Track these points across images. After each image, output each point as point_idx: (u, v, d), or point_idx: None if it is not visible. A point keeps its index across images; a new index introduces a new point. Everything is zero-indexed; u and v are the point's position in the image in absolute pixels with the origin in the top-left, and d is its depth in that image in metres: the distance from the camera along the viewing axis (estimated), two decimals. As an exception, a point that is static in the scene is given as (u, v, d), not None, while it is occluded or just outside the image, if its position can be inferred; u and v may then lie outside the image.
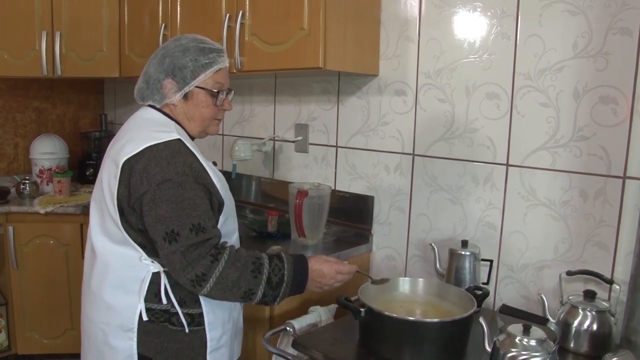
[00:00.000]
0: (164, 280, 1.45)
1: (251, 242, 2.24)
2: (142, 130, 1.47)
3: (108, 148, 1.56)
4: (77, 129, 3.60)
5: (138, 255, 1.44)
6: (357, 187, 2.32)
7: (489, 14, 1.87)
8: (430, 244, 1.98)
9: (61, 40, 2.92)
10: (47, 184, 3.12)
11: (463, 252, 1.87)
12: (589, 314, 1.54)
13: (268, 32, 2.09)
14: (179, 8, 2.50)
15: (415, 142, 2.11)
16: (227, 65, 1.58)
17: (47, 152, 3.13)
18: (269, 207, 2.62)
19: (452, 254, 1.89)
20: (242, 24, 2.16)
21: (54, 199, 2.95)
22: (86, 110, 3.67)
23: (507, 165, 1.87)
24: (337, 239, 2.33)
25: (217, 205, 1.47)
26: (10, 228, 2.79)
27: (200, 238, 1.36)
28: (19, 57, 2.89)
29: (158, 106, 1.54)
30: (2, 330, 2.92)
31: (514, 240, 1.87)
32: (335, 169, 2.40)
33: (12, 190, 3.00)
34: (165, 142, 1.40)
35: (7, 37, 2.88)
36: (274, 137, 2.63)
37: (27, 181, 2.99)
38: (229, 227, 1.57)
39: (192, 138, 1.57)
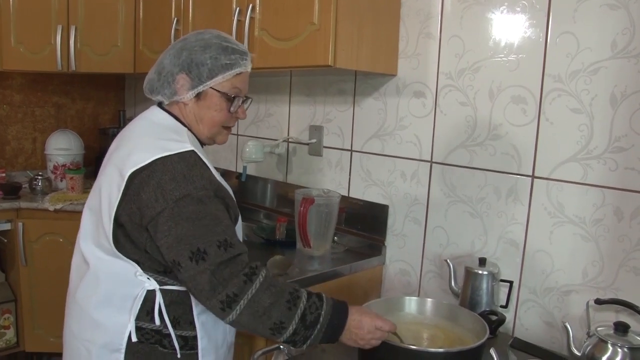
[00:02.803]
0: (159, 298, 1.31)
1: (256, 249, 2.12)
2: (151, 137, 1.33)
3: (109, 151, 1.44)
4: (96, 125, 3.55)
5: (133, 271, 1.30)
6: (371, 195, 2.17)
7: (517, 8, 1.69)
8: (446, 260, 1.81)
9: (76, 35, 2.85)
10: (61, 180, 3.06)
11: (480, 271, 1.69)
12: (619, 350, 1.35)
13: (278, 27, 1.95)
14: (191, 2, 2.39)
15: (434, 149, 1.94)
16: (249, 70, 1.43)
17: (62, 147, 3.08)
18: (280, 213, 2.49)
19: (469, 272, 1.72)
20: (251, 18, 2.03)
21: (65, 195, 2.88)
22: (106, 107, 3.61)
23: (533, 177, 1.68)
24: (348, 249, 2.18)
25: (234, 220, 1.35)
26: (20, 224, 2.74)
27: (230, 254, 1.22)
28: (35, 52, 2.84)
29: (167, 102, 1.41)
30: (11, 326, 2.87)
31: (538, 261, 1.69)
32: (350, 174, 2.25)
33: (26, 185, 2.96)
34: (179, 153, 1.26)
35: (24, 31, 2.83)
36: (287, 139, 2.50)
37: (40, 177, 2.93)
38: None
39: (202, 144, 1.44)
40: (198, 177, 1.25)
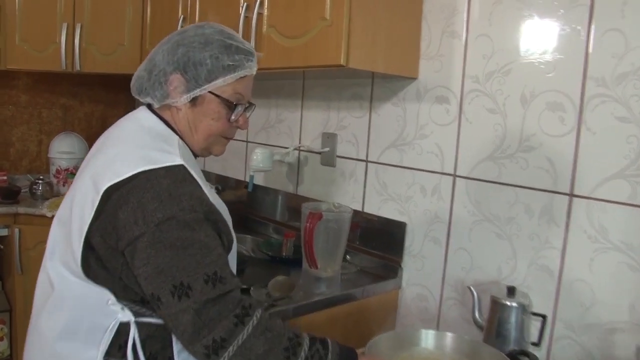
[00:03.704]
0: (133, 331, 1.11)
1: (259, 268, 1.93)
2: (136, 145, 1.15)
3: (89, 155, 1.25)
4: (104, 128, 3.37)
5: (105, 298, 1.11)
6: (387, 211, 1.97)
7: (555, 3, 1.48)
8: (469, 287, 1.60)
9: (82, 33, 2.72)
10: (64, 185, 2.93)
11: (509, 303, 1.48)
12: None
13: (287, 23, 1.77)
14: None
15: (458, 161, 1.74)
16: (254, 72, 1.24)
17: (66, 151, 2.94)
18: (290, 227, 2.30)
19: (495, 302, 1.50)
20: (259, 14, 1.85)
21: (66, 202, 2.74)
22: (115, 109, 3.46)
23: (571, 195, 1.47)
24: (361, 270, 1.98)
25: (227, 247, 1.16)
26: (17, 230, 2.60)
27: (219, 291, 1.03)
28: (39, 50, 2.72)
29: (157, 105, 1.22)
30: (5, 338, 2.73)
31: (576, 292, 1.46)
32: (364, 187, 2.05)
33: (26, 190, 2.82)
34: (166, 167, 1.08)
35: (29, 29, 2.72)
36: (298, 147, 2.31)
37: (40, 181, 2.80)
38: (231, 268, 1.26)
39: (195, 155, 1.26)
40: (186, 196, 1.06)
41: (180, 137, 1.21)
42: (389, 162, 1.95)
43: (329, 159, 2.18)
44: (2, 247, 2.73)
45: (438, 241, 1.81)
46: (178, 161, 1.10)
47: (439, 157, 1.79)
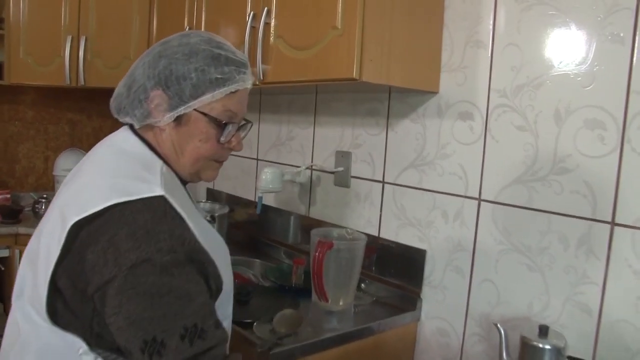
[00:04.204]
0: None
1: (266, 298, 1.78)
2: (110, 173, 1.00)
3: (62, 185, 1.11)
4: (113, 145, 3.30)
5: (76, 346, 0.96)
6: (405, 237, 1.80)
7: (593, 7, 1.32)
8: (496, 325, 1.43)
9: (86, 46, 2.62)
10: (68, 205, 2.81)
11: (541, 344, 1.30)
12: None
13: (295, 33, 1.64)
14: (204, 10, 2.10)
15: (483, 183, 1.57)
16: (249, 86, 1.09)
17: (71, 168, 2.82)
18: (302, 252, 2.15)
19: (526, 344, 1.33)
20: (266, 24, 1.72)
21: (69, 222, 2.63)
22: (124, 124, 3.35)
23: (613, 223, 1.30)
24: (377, 301, 1.81)
25: (214, 292, 1.01)
26: (17, 251, 2.48)
27: (197, 349, 0.88)
28: (44, 64, 2.63)
29: (137, 126, 1.07)
30: (5, 364, 2.60)
31: (619, 334, 1.29)
32: (381, 210, 1.89)
33: (29, 209, 2.72)
34: (144, 199, 0.93)
35: (33, 42, 2.63)
36: (310, 166, 2.17)
37: (43, 200, 2.69)
38: (223, 312, 1.10)
39: (185, 182, 1.12)
40: (165, 234, 0.91)
41: (165, 162, 1.07)
42: (407, 183, 1.80)
43: (342, 179, 2.03)
44: (2, 268, 2.62)
45: (461, 271, 1.64)
46: (158, 192, 0.95)
47: (462, 179, 1.63)
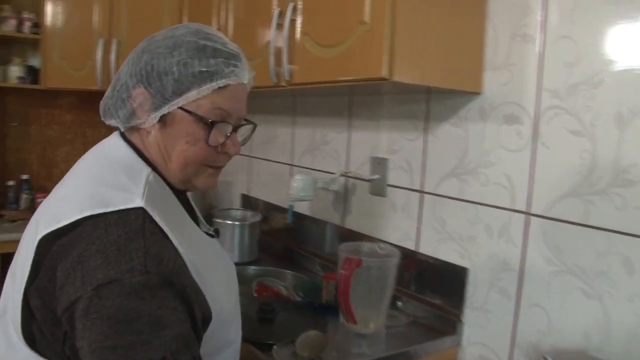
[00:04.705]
0: None
1: (292, 315, 1.65)
2: (87, 182, 0.91)
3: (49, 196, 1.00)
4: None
5: None
6: (445, 252, 1.63)
7: (664, -8, 1.12)
8: (545, 358, 1.25)
9: (118, 49, 2.56)
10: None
11: (600, 385, 1.12)
12: None
13: (322, 30, 1.50)
14: (232, 11, 1.99)
15: (532, 196, 1.39)
16: (245, 81, 0.96)
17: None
18: (335, 264, 1.99)
19: (581, 383, 1.15)
20: (292, 20, 1.59)
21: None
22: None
23: (688, 247, 1.10)
24: (413, 321, 1.65)
25: (200, 320, 0.87)
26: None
27: None
28: (76, 68, 2.60)
29: (122, 128, 0.98)
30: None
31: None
32: (419, 222, 1.73)
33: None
34: (120, 212, 0.83)
35: (67, 46, 2.61)
36: (345, 173, 2.02)
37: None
38: (223, 339, 0.99)
39: (178, 191, 0.99)
40: (139, 252, 0.79)
41: (155, 168, 0.95)
42: (447, 193, 1.63)
43: (379, 187, 1.87)
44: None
45: (507, 293, 1.46)
46: (137, 203, 0.84)
47: (508, 189, 1.45)
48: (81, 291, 0.77)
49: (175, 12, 2.50)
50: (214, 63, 0.91)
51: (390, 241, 1.79)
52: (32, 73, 2.77)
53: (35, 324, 0.85)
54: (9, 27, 2.66)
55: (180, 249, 0.85)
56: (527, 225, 1.40)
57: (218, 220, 2.23)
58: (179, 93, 0.90)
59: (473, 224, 1.55)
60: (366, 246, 1.58)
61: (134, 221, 0.82)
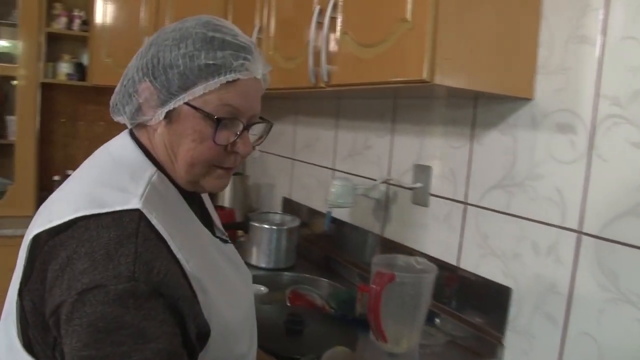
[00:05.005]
0: None
1: (323, 328, 1.57)
2: (87, 181, 0.87)
3: None
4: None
5: None
6: (488, 269, 1.52)
7: None
8: (594, 394, 1.12)
9: (162, 46, 2.56)
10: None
11: None
12: None
13: (362, 29, 1.42)
14: (274, 4, 1.94)
15: (586, 213, 1.26)
16: (258, 76, 0.89)
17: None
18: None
19: None
20: (332, 18, 1.52)
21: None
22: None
23: None
24: (451, 342, 1.54)
25: (194, 334, 0.81)
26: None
27: None
28: (122, 66, 2.56)
29: (129, 125, 0.93)
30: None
31: None
32: (461, 236, 1.62)
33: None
34: (114, 213, 0.78)
35: (113, 44, 2.64)
36: (386, 180, 1.93)
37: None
38: (231, 353, 0.92)
39: (189, 192, 0.94)
40: (129, 258, 0.74)
41: (162, 168, 0.90)
42: (492, 206, 1.51)
43: (421, 197, 1.77)
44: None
45: (553, 319, 1.33)
46: (133, 204, 0.79)
47: (559, 205, 1.32)
48: (65, 295, 0.73)
49: (220, 11, 2.48)
50: (221, 56, 0.84)
51: (430, 254, 1.69)
52: (81, 70, 2.81)
53: (30, 328, 0.81)
54: (60, 24, 2.71)
55: (180, 255, 0.80)
56: (578, 246, 1.28)
57: (255, 224, 2.18)
58: (184, 88, 0.84)
59: (519, 241, 1.43)
60: (402, 259, 1.49)
61: (128, 224, 0.77)
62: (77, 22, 2.76)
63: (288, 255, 2.19)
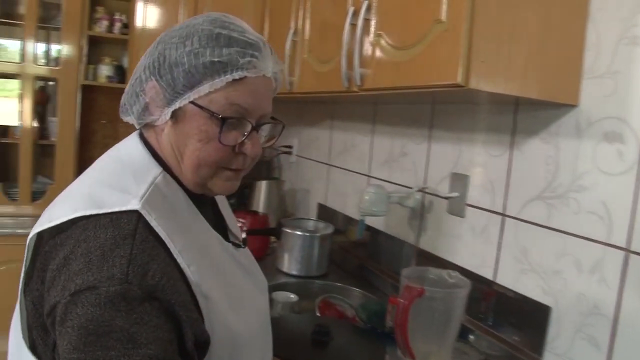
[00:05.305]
0: None
1: (347, 340, 1.51)
2: (91, 181, 0.86)
3: None
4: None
5: None
6: (526, 285, 1.43)
7: None
8: None
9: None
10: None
11: None
12: None
13: (396, 30, 1.36)
14: (309, 6, 1.90)
15: (635, 230, 1.16)
16: (268, 74, 0.86)
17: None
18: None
19: None
20: (366, 20, 1.46)
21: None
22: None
23: None
24: (485, 359, 1.46)
25: (191, 342, 0.76)
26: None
27: None
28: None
29: (137, 126, 0.91)
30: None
31: None
32: (499, 249, 1.53)
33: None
34: (113, 214, 0.76)
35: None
36: (422, 189, 1.85)
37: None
38: None
39: (195, 195, 0.90)
40: (123, 259, 0.71)
41: (169, 170, 0.87)
42: (532, 219, 1.42)
43: (457, 207, 1.69)
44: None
45: (596, 342, 1.24)
46: (132, 205, 0.77)
47: (605, 220, 1.23)
48: (60, 296, 0.71)
49: (258, 13, 2.46)
50: (227, 53, 0.81)
51: (466, 267, 1.61)
52: (121, 72, 2.84)
53: (33, 328, 0.80)
54: (102, 27, 2.75)
55: (180, 259, 0.77)
56: (625, 265, 1.18)
57: (287, 230, 2.14)
58: (190, 86, 0.81)
59: (560, 257, 1.34)
60: (433, 272, 1.41)
61: (125, 225, 0.75)
62: (117, 26, 2.80)
63: (320, 263, 2.14)
